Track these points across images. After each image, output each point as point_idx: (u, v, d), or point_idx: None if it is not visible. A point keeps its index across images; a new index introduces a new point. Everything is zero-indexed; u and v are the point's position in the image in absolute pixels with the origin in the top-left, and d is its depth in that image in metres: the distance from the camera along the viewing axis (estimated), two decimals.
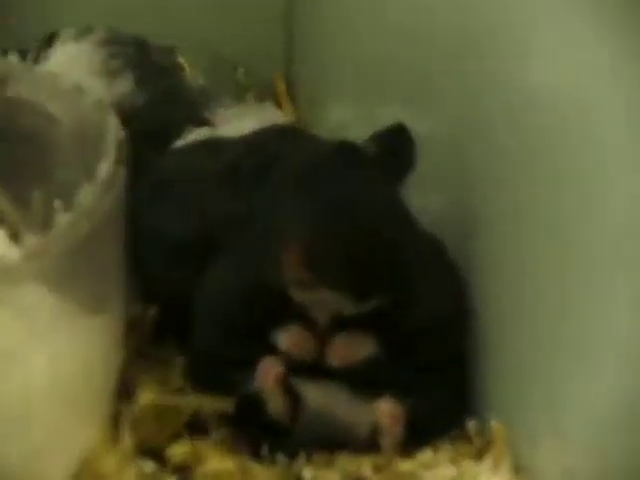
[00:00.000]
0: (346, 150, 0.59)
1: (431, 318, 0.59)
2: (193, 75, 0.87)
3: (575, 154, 0.48)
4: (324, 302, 0.55)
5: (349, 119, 0.82)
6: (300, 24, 0.97)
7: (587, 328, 0.48)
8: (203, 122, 0.81)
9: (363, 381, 0.58)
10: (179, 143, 0.79)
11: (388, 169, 0.59)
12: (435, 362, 0.60)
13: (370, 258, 0.55)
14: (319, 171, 0.57)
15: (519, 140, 0.55)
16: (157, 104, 0.82)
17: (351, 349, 0.57)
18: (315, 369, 0.58)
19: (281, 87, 0.98)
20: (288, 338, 0.58)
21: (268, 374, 0.58)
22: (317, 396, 0.59)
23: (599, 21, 0.45)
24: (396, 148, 0.60)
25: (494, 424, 0.57)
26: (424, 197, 0.66)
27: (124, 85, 0.82)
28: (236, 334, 0.60)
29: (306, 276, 0.54)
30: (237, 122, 0.79)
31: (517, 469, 0.55)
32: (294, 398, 0.59)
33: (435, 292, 0.60)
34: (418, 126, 0.68)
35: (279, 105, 0.96)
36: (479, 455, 0.57)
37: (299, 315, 0.57)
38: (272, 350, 0.58)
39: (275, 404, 0.58)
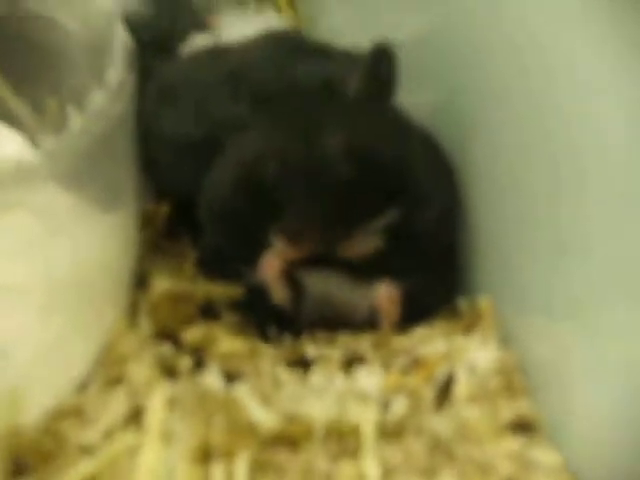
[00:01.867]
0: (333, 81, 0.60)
1: (431, 217, 0.60)
2: None
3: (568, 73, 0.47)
4: None
5: (345, 25, 0.82)
6: None
7: (573, 208, 0.49)
8: (205, 27, 0.81)
9: (362, 268, 0.59)
10: (184, 49, 0.80)
11: (375, 93, 0.60)
12: (429, 250, 0.61)
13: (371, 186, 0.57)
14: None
15: (513, 48, 0.55)
16: (162, 13, 0.82)
17: (362, 243, 0.58)
18: (316, 259, 0.58)
19: None
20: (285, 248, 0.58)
21: (269, 267, 0.59)
22: (318, 283, 0.60)
23: None
24: (380, 71, 0.60)
25: (483, 301, 0.58)
26: (420, 97, 0.66)
27: None
28: (239, 227, 0.60)
29: None
30: (238, 28, 0.79)
31: (505, 340, 0.56)
32: (296, 286, 0.59)
33: (435, 193, 0.61)
34: (411, 27, 0.69)
35: (280, 11, 0.95)
36: (468, 330, 0.58)
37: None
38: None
39: (278, 294, 0.59)
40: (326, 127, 0.58)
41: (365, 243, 0.58)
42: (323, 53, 0.70)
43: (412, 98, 0.63)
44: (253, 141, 0.59)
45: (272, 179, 0.57)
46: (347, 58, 0.64)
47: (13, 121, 0.66)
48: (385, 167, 0.58)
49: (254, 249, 0.59)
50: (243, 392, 0.53)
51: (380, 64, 0.60)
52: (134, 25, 0.72)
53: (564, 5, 0.48)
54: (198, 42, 0.80)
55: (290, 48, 0.70)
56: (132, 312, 0.59)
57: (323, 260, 0.59)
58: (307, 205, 0.56)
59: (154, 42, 0.76)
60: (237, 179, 0.60)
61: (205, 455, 0.49)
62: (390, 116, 0.62)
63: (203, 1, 0.86)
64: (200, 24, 0.82)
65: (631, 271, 0.43)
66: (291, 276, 0.59)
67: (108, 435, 0.50)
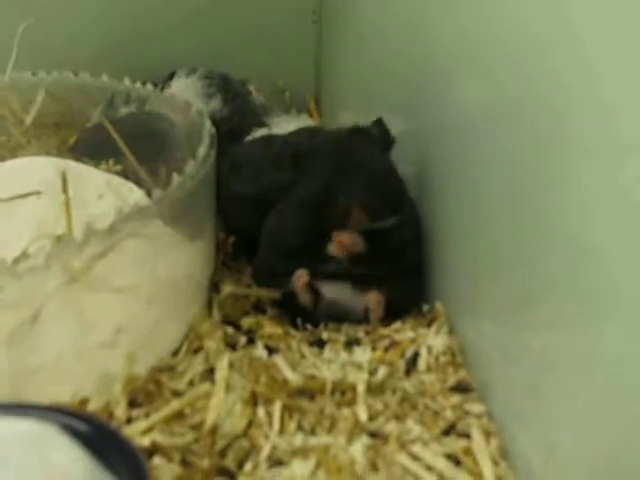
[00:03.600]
0: (358, 131, 0.60)
1: (408, 237, 0.59)
2: (257, 97, 0.86)
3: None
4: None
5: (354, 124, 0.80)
6: (325, 65, 0.95)
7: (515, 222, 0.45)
8: (263, 125, 0.80)
9: (359, 281, 0.58)
10: (248, 138, 0.79)
11: (381, 142, 0.60)
12: (404, 267, 0.59)
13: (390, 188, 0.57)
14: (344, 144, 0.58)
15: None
16: (234, 114, 0.82)
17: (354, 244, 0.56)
18: (331, 275, 0.58)
19: (312, 104, 0.97)
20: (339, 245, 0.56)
21: (299, 280, 0.58)
22: (330, 292, 0.59)
23: None
24: (382, 130, 0.60)
25: (438, 306, 0.57)
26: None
27: (215, 103, 0.82)
28: (282, 255, 0.60)
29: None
30: (284, 125, 0.79)
31: (451, 332, 0.55)
32: (316, 293, 0.59)
33: (412, 220, 0.59)
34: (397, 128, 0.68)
35: (311, 115, 0.95)
36: (429, 325, 0.57)
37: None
38: (303, 265, 0.58)
39: (303, 298, 0.58)
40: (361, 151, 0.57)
41: (355, 244, 0.56)
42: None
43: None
44: (306, 185, 0.58)
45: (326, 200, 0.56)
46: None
47: (138, 181, 0.66)
48: (394, 190, 0.58)
49: (291, 267, 0.59)
50: (279, 360, 0.53)
51: (382, 126, 0.60)
52: (216, 120, 0.74)
53: None
54: (258, 134, 0.79)
55: (314, 134, 0.68)
56: (208, 306, 0.59)
57: (334, 276, 0.58)
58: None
59: (228, 132, 0.75)
60: (299, 212, 0.58)
61: (253, 400, 0.49)
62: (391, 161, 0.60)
63: (261, 107, 0.85)
64: (260, 122, 0.81)
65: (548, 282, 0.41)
66: (312, 286, 0.58)
67: (191, 384, 0.51)
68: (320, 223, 0.56)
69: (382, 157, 0.59)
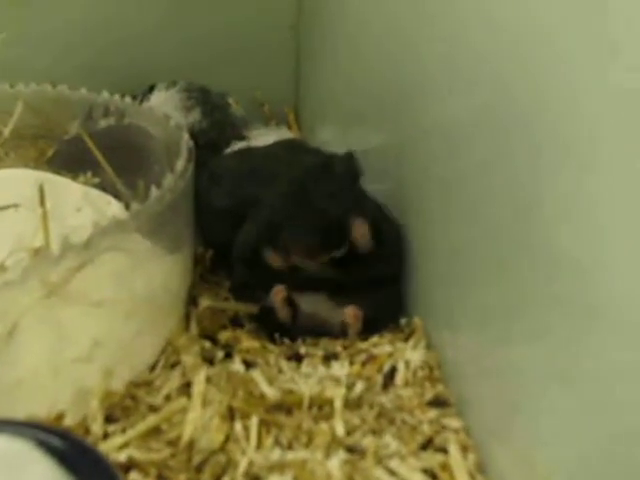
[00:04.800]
0: (325, 166, 0.59)
1: (384, 260, 0.59)
2: (237, 109, 0.87)
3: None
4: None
5: (332, 138, 0.81)
6: (304, 79, 0.95)
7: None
8: (242, 137, 0.81)
9: (337, 295, 0.58)
10: (227, 151, 0.80)
11: (347, 177, 0.59)
12: (382, 283, 0.59)
13: (339, 223, 0.55)
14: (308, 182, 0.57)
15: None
16: (213, 127, 0.83)
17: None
18: (308, 288, 0.58)
19: (291, 117, 0.98)
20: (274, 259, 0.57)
21: (277, 296, 0.58)
22: (308, 306, 0.59)
23: None
24: (349, 165, 0.59)
25: (416, 320, 0.58)
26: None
27: (194, 116, 0.83)
28: (253, 267, 0.59)
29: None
30: (264, 138, 0.80)
31: (428, 347, 0.55)
32: (294, 307, 0.58)
33: (388, 242, 0.59)
34: (372, 141, 0.67)
35: (290, 128, 0.95)
36: (406, 339, 0.57)
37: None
38: (279, 280, 0.58)
39: (281, 312, 0.58)
40: (320, 194, 0.56)
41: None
42: (313, 151, 0.69)
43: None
44: (265, 210, 0.58)
45: (278, 227, 0.56)
46: (329, 156, 0.62)
47: (116, 194, 0.66)
48: (348, 214, 0.56)
49: (267, 283, 0.59)
50: (256, 375, 0.52)
51: (350, 161, 0.59)
52: (195, 133, 0.74)
53: None
54: (237, 147, 0.79)
55: (293, 147, 0.69)
56: (186, 320, 0.59)
57: (312, 289, 0.58)
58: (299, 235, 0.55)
59: (208, 145, 0.76)
60: (256, 233, 0.58)
61: (230, 415, 0.49)
62: (359, 189, 0.60)
63: (241, 120, 0.86)
64: (239, 135, 0.82)
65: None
66: (290, 301, 0.58)
67: (168, 399, 0.51)
68: (272, 244, 0.57)
69: (341, 195, 0.58)
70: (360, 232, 0.56)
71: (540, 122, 0.38)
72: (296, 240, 0.55)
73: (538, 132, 0.38)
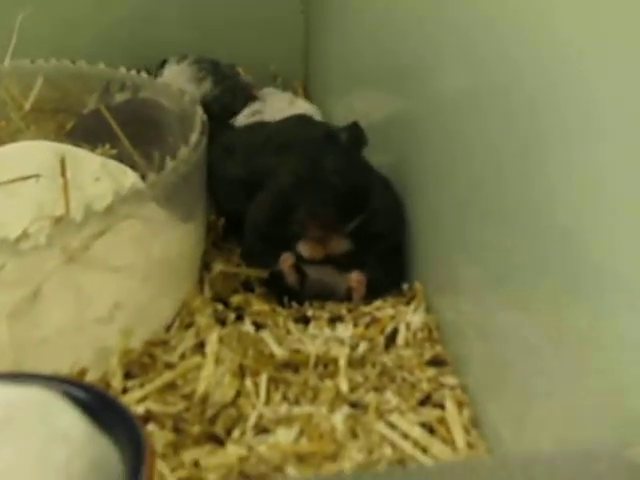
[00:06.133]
0: (331, 136, 0.61)
1: (384, 225, 0.60)
2: (245, 76, 0.89)
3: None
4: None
5: (343, 110, 0.81)
6: (313, 51, 0.96)
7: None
8: (254, 98, 0.83)
9: (343, 264, 0.60)
10: (239, 119, 0.81)
11: (352, 145, 0.61)
12: (384, 249, 0.60)
13: (349, 197, 0.57)
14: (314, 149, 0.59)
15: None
16: (225, 92, 0.84)
17: (339, 244, 0.58)
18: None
19: (300, 90, 0.98)
20: (305, 250, 0.58)
21: (285, 262, 0.59)
22: (315, 272, 0.60)
23: None
24: (355, 134, 0.61)
25: (417, 285, 0.59)
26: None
27: (206, 85, 0.84)
28: (266, 237, 0.61)
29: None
30: (275, 98, 0.83)
31: (428, 310, 0.57)
32: (301, 273, 0.60)
33: (386, 210, 0.60)
34: (378, 114, 0.67)
35: (296, 94, 0.95)
36: (407, 303, 0.58)
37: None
38: (289, 247, 0.59)
39: (290, 278, 0.60)
40: (326, 163, 0.58)
41: (341, 245, 0.58)
42: (321, 124, 0.71)
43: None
44: (279, 180, 0.59)
45: (292, 202, 0.57)
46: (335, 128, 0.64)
47: (132, 165, 0.67)
48: (358, 187, 0.59)
49: (277, 249, 0.60)
50: (266, 335, 0.54)
51: (356, 130, 0.61)
52: (208, 101, 0.75)
53: None
54: (248, 111, 0.81)
55: (302, 121, 0.70)
56: (199, 284, 0.60)
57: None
58: (315, 210, 0.57)
59: (219, 116, 0.77)
60: (271, 205, 0.60)
61: (241, 372, 0.50)
62: (362, 159, 0.62)
63: (251, 84, 0.87)
64: (251, 96, 0.83)
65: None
66: (298, 267, 0.60)
67: (183, 357, 0.52)
68: (286, 216, 0.58)
69: (348, 164, 0.59)
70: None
71: (548, 99, 0.37)
72: (312, 215, 0.57)
73: (547, 110, 0.37)
